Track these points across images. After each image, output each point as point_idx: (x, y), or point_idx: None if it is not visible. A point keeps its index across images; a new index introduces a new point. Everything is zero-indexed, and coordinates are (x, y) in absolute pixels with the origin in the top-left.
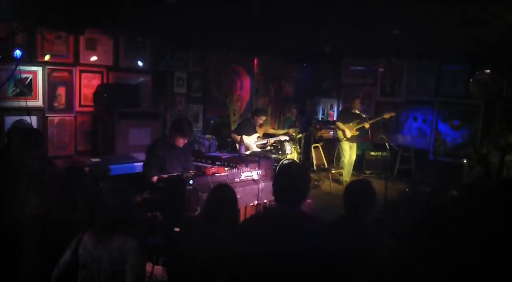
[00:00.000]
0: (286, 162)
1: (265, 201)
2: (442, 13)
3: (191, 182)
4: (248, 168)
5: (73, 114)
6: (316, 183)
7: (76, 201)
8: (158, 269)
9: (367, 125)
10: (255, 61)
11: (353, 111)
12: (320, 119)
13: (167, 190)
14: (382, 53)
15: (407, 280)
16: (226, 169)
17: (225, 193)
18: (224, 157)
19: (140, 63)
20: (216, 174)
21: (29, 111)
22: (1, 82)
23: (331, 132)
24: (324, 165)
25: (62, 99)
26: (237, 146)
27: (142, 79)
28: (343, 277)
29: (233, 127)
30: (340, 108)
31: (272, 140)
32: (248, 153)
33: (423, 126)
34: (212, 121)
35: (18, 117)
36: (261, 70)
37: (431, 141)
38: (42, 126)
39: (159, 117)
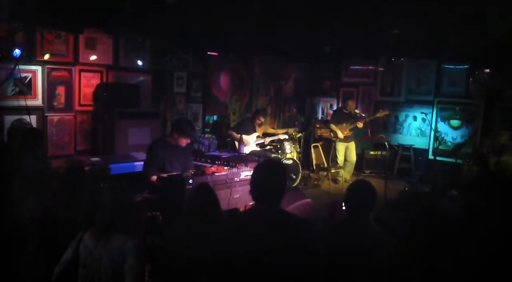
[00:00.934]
0: (262, 161)
1: None
2: (442, 13)
3: (190, 181)
4: (248, 167)
5: (73, 114)
6: (315, 182)
7: (76, 201)
8: None
9: (360, 125)
10: (255, 61)
11: (346, 111)
12: (319, 118)
13: (167, 190)
14: (381, 53)
15: (407, 279)
16: (225, 168)
17: (206, 194)
18: (223, 156)
19: (140, 63)
20: (216, 173)
21: (29, 110)
22: (0, 81)
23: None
24: (323, 164)
25: (62, 98)
26: (237, 145)
27: (141, 78)
28: (343, 277)
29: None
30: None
31: (271, 139)
32: (246, 148)
33: (423, 125)
34: (211, 122)
35: (17, 117)
36: (261, 70)
37: (430, 140)
38: (41, 126)
39: (159, 117)
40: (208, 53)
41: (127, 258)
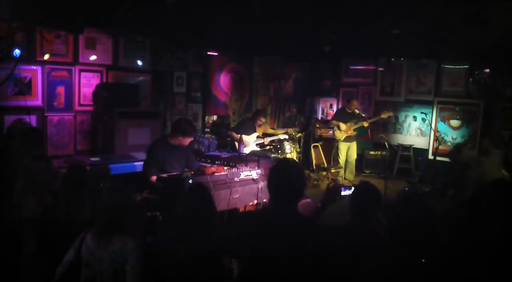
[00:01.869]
0: (282, 159)
1: (264, 200)
2: (442, 13)
3: (190, 181)
4: (248, 167)
5: (73, 114)
6: (315, 182)
7: (77, 201)
8: None
9: (365, 124)
10: (255, 61)
11: (349, 111)
12: (319, 118)
13: (167, 189)
14: (381, 53)
15: (406, 280)
16: (225, 168)
17: (199, 194)
18: (223, 156)
19: (139, 63)
20: (216, 173)
21: (29, 110)
22: (0, 81)
23: (331, 132)
24: (323, 164)
25: (62, 98)
26: (237, 145)
27: (141, 78)
28: (342, 277)
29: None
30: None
31: (271, 139)
32: (246, 148)
33: (423, 125)
34: (210, 122)
35: (17, 117)
36: (261, 70)
37: (430, 140)
38: (41, 126)
39: (159, 116)
40: (208, 53)
41: (128, 258)
